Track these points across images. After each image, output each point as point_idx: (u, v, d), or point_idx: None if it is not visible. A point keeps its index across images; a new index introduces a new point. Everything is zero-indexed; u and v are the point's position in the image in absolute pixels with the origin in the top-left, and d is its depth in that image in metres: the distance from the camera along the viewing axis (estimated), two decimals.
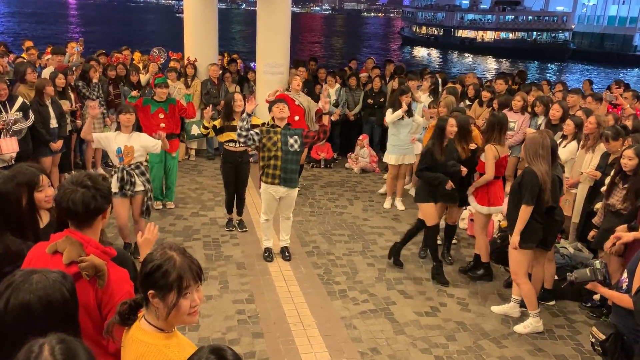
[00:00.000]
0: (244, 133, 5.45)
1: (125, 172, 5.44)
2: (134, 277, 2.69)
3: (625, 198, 4.94)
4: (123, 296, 2.19)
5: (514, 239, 4.71)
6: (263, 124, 5.91)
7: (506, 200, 5.21)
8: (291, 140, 5.51)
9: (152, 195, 5.73)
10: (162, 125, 6.79)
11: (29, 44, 9.58)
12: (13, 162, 6.01)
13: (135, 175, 5.49)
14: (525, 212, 4.63)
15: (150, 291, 1.93)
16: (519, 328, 4.87)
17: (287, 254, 5.98)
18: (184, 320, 1.99)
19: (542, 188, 4.60)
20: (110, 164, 8.86)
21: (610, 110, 7.58)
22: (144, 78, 9.09)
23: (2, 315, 1.73)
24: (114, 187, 5.42)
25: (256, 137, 5.50)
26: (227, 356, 1.68)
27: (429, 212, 5.76)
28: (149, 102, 6.91)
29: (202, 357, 1.67)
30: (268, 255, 5.97)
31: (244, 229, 6.68)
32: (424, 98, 8.25)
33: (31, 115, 6.44)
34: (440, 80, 9.21)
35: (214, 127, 6.35)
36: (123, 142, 5.44)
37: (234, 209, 6.72)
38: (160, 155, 6.81)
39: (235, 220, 6.75)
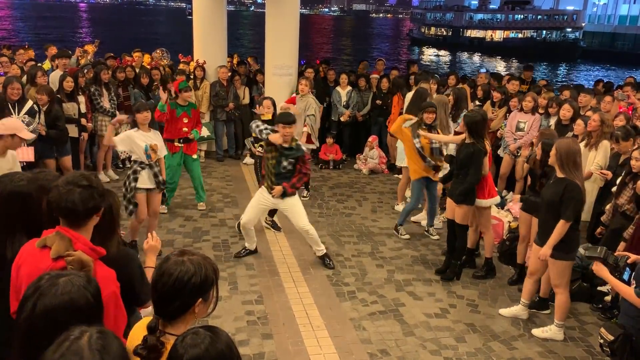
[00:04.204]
0: (257, 130, 5.58)
1: (155, 168, 5.70)
2: (141, 276, 2.71)
3: (631, 199, 4.91)
4: (108, 296, 2.20)
5: (545, 251, 4.53)
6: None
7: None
8: (286, 162, 5.46)
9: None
10: (185, 129, 6.95)
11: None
12: (25, 164, 6.08)
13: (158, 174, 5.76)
14: (563, 228, 4.43)
15: (199, 299, 1.99)
16: (538, 332, 4.82)
17: (327, 261, 5.85)
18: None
19: (583, 201, 4.48)
20: (121, 165, 8.97)
21: (622, 109, 7.51)
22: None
23: (29, 319, 1.77)
24: (149, 183, 5.68)
25: (264, 134, 5.54)
26: (220, 335, 1.78)
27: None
28: (175, 106, 6.98)
29: (193, 331, 1.78)
30: (242, 252, 6.02)
31: (279, 229, 6.78)
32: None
33: (37, 118, 6.52)
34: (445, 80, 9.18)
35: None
36: (146, 140, 5.62)
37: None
38: (178, 158, 7.01)
39: (268, 220, 6.85)
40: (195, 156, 7.18)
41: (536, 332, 4.83)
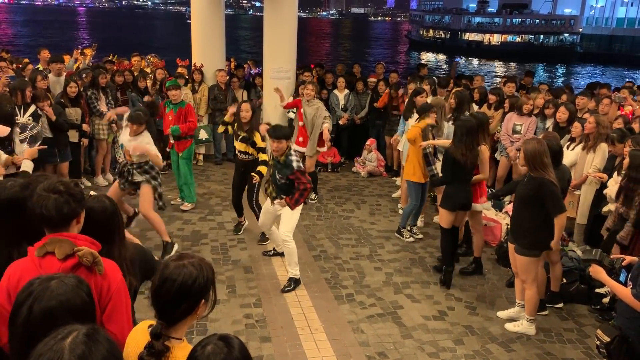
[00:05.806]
0: None
1: (126, 168, 5.79)
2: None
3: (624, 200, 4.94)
4: (119, 283, 2.27)
5: (555, 245, 4.64)
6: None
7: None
8: (278, 176, 5.37)
9: (160, 193, 5.94)
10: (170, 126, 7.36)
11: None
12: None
13: (136, 173, 5.79)
14: (563, 221, 4.52)
15: (202, 301, 2.03)
16: (509, 326, 4.92)
17: (289, 286, 5.43)
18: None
19: None
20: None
21: (622, 112, 7.52)
22: (150, 85, 8.89)
23: (26, 322, 1.77)
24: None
25: None
26: (233, 344, 1.81)
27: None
28: (167, 103, 7.43)
29: (210, 342, 1.79)
30: (271, 252, 6.20)
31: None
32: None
33: (41, 122, 6.54)
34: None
35: (230, 124, 6.60)
36: (125, 140, 5.75)
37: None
38: (174, 155, 7.43)
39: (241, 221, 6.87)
40: (181, 154, 7.34)
41: (508, 326, 4.91)
